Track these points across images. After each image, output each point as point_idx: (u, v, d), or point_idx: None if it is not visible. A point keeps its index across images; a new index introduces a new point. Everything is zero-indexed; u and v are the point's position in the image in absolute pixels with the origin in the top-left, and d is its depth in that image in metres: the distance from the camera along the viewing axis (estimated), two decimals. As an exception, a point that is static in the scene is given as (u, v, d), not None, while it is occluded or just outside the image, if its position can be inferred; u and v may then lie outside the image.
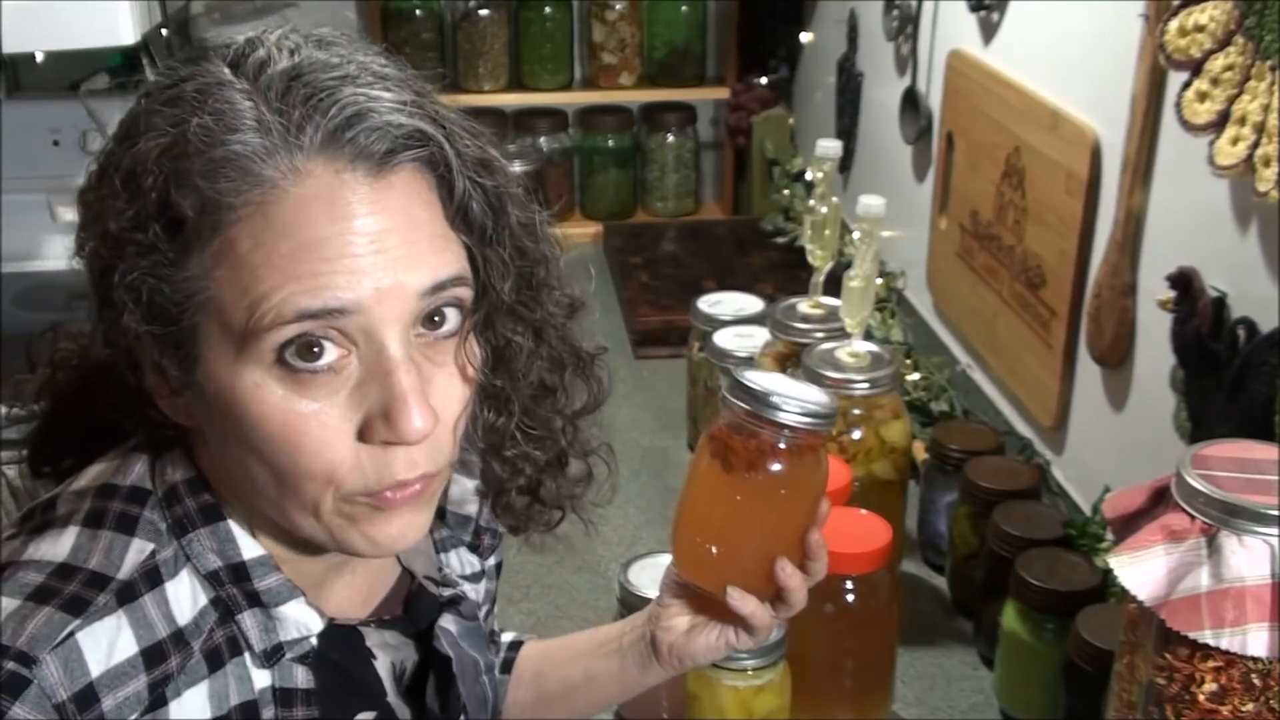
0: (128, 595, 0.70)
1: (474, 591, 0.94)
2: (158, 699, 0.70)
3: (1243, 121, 1.07)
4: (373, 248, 0.66)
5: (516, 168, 0.76)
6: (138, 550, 0.72)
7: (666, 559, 1.32)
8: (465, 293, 0.71)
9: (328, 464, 0.68)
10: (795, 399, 0.84)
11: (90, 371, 0.80)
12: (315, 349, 0.66)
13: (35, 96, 2.31)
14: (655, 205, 2.83)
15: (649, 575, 1.29)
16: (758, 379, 0.85)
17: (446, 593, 0.87)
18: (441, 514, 0.92)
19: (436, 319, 0.70)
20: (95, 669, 0.68)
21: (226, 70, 0.68)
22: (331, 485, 0.69)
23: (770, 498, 0.86)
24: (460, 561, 0.93)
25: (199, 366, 0.69)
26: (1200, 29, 1.11)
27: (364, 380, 0.68)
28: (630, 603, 1.27)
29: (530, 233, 0.76)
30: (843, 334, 1.50)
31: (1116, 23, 1.34)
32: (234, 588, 0.74)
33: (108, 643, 0.69)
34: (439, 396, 0.71)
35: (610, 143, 2.79)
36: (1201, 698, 0.89)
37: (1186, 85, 1.13)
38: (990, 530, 1.37)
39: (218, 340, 0.67)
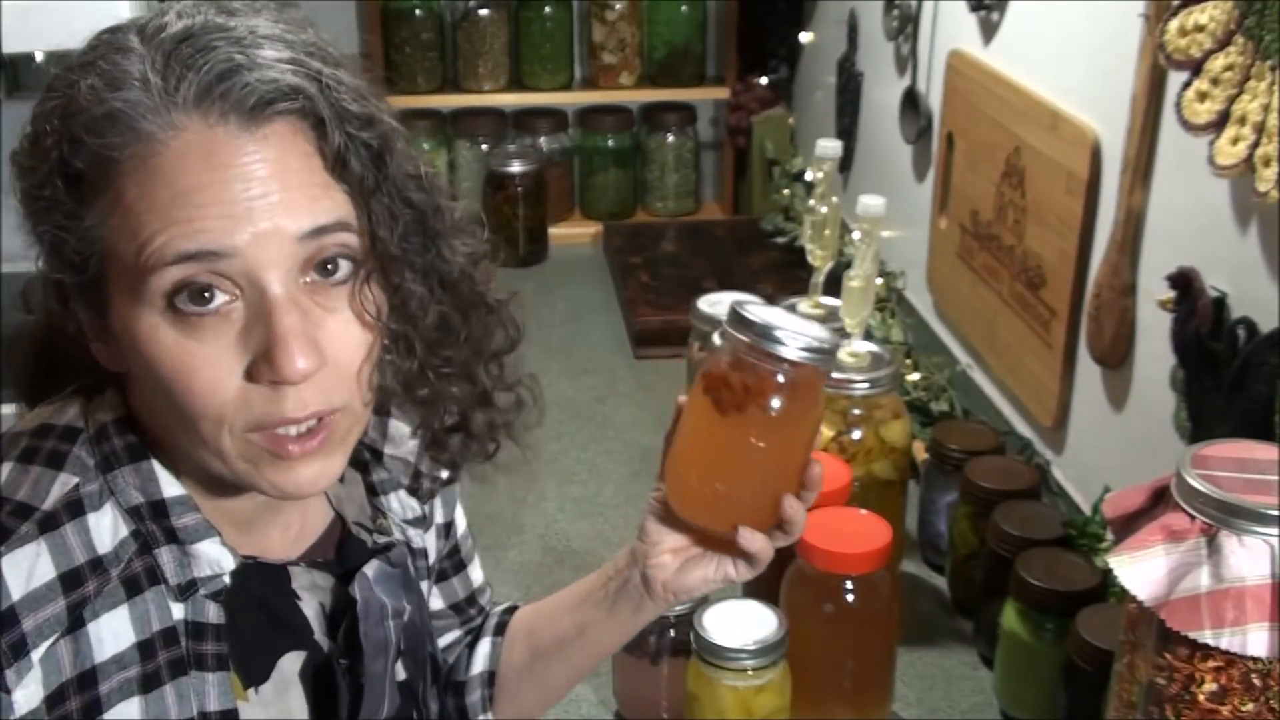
0: (49, 524, 0.75)
1: (419, 538, 0.97)
2: (76, 620, 0.74)
3: (1243, 121, 1.07)
4: (247, 194, 0.70)
5: (398, 124, 0.79)
6: (62, 483, 0.77)
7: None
8: (351, 239, 0.75)
9: (218, 404, 0.73)
10: (803, 334, 0.82)
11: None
12: (205, 294, 0.71)
13: (35, 96, 2.31)
14: (655, 205, 2.83)
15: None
16: (765, 315, 0.83)
17: (381, 540, 0.90)
18: (380, 456, 0.95)
19: (330, 267, 0.74)
20: (16, 592, 0.72)
21: (134, 37, 0.73)
22: (225, 424, 0.73)
23: (780, 435, 0.85)
24: (401, 505, 0.96)
25: (109, 312, 0.74)
26: (1200, 29, 1.11)
27: (250, 323, 0.72)
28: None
29: (417, 184, 0.79)
30: (843, 334, 1.50)
31: (1116, 23, 1.34)
32: (153, 524, 0.79)
33: (27, 568, 0.73)
34: (333, 341, 0.74)
35: (610, 143, 2.79)
36: (1201, 698, 0.89)
37: (1186, 85, 1.13)
38: (990, 530, 1.37)
39: (118, 286, 0.72)
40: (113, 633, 0.76)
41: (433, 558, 1.01)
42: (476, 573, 1.08)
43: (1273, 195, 1.04)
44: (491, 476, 0.94)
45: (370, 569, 0.87)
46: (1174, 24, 1.14)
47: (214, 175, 0.69)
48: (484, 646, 1.05)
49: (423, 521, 0.98)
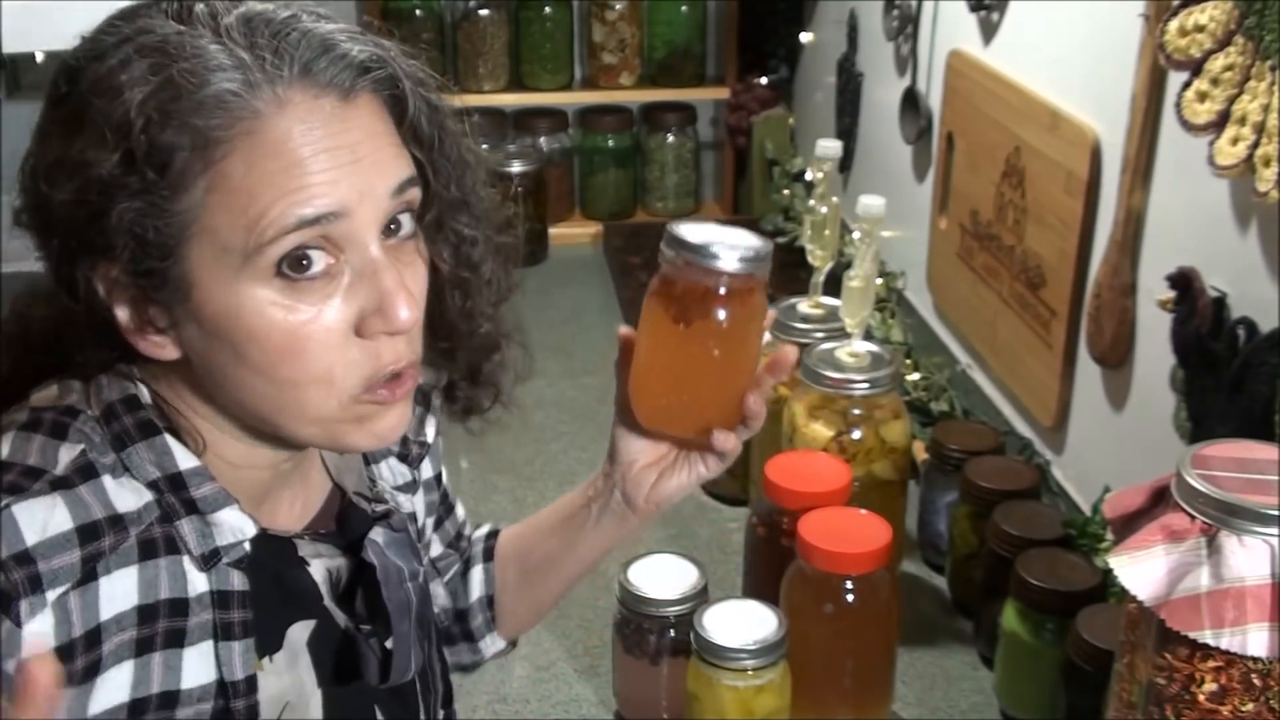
0: (63, 484, 0.75)
1: (409, 502, 1.00)
2: (89, 573, 0.75)
3: (1243, 121, 1.07)
4: (349, 159, 0.74)
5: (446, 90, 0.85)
6: (69, 449, 0.77)
7: (668, 559, 1.32)
8: (417, 195, 0.80)
9: (327, 365, 0.76)
10: (739, 245, 0.87)
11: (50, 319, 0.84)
12: (305, 261, 0.74)
13: (35, 96, 2.30)
14: (655, 205, 2.83)
15: (649, 575, 1.29)
16: (701, 233, 0.88)
17: (379, 508, 0.92)
18: None
19: (394, 226, 0.79)
20: (31, 538, 0.72)
21: (173, 24, 0.74)
22: (333, 388, 0.76)
23: (732, 340, 0.90)
24: (391, 472, 0.99)
25: (192, 296, 0.75)
26: (1200, 29, 1.11)
27: (353, 282, 0.76)
28: (630, 603, 1.27)
29: (465, 139, 0.86)
30: (843, 334, 1.50)
31: (1116, 23, 1.34)
32: (172, 496, 0.80)
33: (43, 517, 0.73)
34: (414, 291, 0.79)
35: (610, 143, 2.79)
36: (1201, 698, 0.89)
37: (1186, 85, 1.13)
38: (990, 530, 1.38)
39: (212, 266, 0.74)
40: (122, 591, 0.76)
41: (421, 518, 1.03)
42: (460, 509, 1.13)
43: (1273, 195, 1.04)
44: (487, 431, 0.99)
45: (378, 535, 0.89)
46: (1174, 24, 1.14)
47: (322, 144, 0.73)
48: (477, 573, 1.10)
49: (412, 486, 1.01)
